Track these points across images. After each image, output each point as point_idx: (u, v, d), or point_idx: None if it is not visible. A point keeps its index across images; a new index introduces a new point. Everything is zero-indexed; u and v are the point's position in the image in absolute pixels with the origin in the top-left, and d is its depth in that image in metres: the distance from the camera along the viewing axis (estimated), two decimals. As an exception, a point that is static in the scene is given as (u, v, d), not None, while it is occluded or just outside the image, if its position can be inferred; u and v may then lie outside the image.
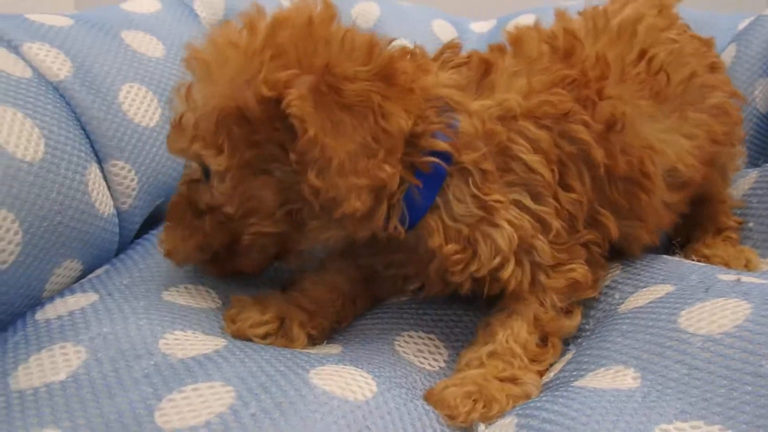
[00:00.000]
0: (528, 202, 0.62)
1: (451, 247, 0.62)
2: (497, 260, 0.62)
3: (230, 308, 0.65)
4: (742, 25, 1.24)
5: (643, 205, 0.70)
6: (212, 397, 0.47)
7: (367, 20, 1.27)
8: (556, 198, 0.63)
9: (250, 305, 0.65)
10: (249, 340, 0.62)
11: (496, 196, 0.61)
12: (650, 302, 0.61)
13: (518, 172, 0.62)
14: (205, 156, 0.59)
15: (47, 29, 0.80)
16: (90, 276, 0.72)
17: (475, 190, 0.61)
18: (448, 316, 0.72)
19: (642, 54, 0.72)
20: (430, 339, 0.69)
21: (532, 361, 0.62)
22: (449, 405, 0.55)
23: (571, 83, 0.66)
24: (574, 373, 0.56)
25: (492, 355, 0.62)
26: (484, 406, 0.55)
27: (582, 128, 0.64)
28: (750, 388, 0.44)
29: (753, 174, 0.94)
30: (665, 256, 0.84)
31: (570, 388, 0.50)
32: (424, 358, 0.66)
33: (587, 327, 0.67)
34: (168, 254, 0.66)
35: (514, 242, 0.61)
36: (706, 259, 0.83)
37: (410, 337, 0.68)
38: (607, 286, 0.71)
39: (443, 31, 1.31)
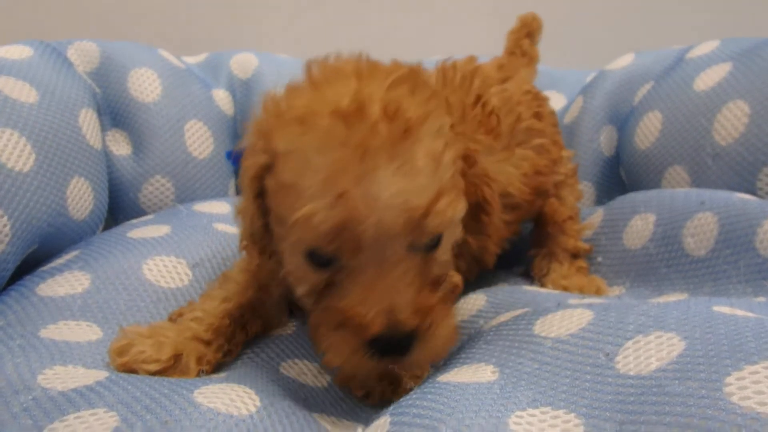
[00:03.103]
0: None
1: None
2: None
3: (118, 340, 0.63)
4: (588, 79, 1.39)
5: (486, 224, 0.77)
6: (96, 423, 0.47)
7: (246, 71, 1.31)
8: None
9: (144, 338, 0.63)
10: (135, 372, 0.60)
11: None
12: (511, 317, 0.67)
13: None
14: None
15: None
16: (-40, 322, 0.69)
17: None
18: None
19: (478, 99, 0.82)
20: (314, 366, 0.71)
21: None
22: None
23: None
24: (438, 372, 0.60)
25: None
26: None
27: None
28: (589, 377, 0.50)
29: (599, 211, 1.05)
30: (524, 286, 0.93)
31: (437, 384, 0.54)
32: (308, 378, 0.68)
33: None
34: None
35: None
36: (564, 289, 0.94)
37: (294, 363, 0.70)
38: (473, 315, 0.78)
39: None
